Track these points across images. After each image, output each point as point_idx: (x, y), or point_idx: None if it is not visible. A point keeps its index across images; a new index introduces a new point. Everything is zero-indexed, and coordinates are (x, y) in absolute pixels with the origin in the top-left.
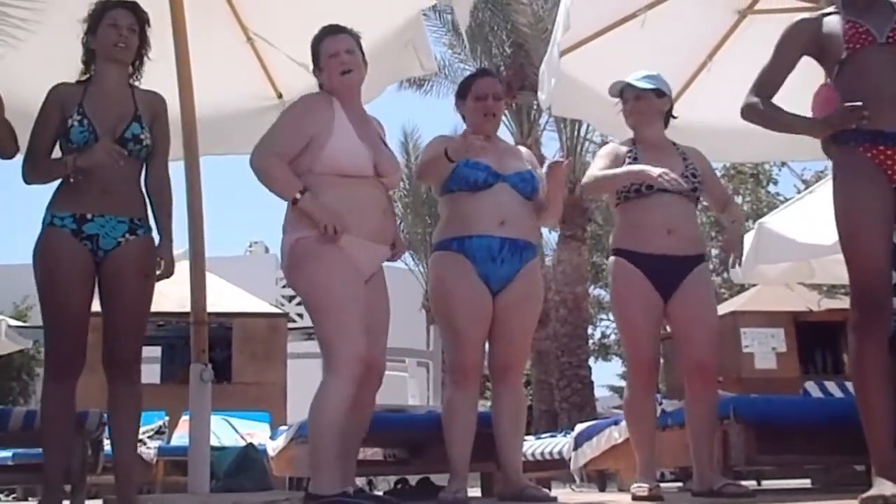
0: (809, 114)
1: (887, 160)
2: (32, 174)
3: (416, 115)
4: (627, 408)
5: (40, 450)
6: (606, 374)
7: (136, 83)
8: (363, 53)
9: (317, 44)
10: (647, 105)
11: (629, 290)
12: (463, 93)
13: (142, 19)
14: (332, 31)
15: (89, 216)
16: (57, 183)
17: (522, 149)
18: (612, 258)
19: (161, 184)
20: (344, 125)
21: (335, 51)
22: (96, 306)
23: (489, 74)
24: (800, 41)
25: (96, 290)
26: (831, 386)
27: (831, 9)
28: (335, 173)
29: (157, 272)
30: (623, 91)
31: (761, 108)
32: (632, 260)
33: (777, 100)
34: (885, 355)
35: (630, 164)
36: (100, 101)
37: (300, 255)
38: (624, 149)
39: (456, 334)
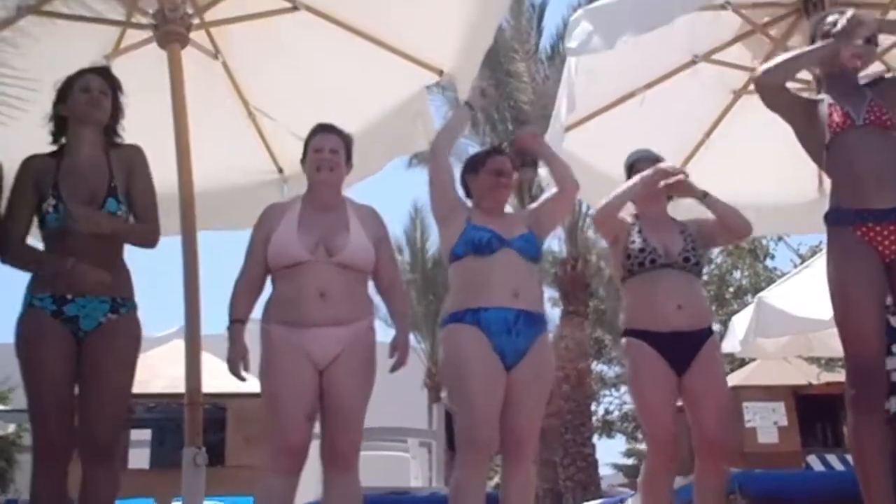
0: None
1: (877, 236)
2: (7, 256)
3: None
4: (645, 487)
5: None
6: (610, 452)
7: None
8: (349, 155)
9: (309, 138)
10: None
11: (646, 371)
12: (475, 167)
13: (113, 84)
14: (323, 129)
15: (69, 297)
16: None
17: (524, 211)
18: (625, 339)
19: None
20: (288, 220)
21: (320, 147)
22: None
23: (503, 153)
24: (802, 100)
25: None
26: (833, 459)
27: (821, 95)
28: (279, 266)
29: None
30: (637, 163)
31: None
32: (645, 339)
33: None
34: (882, 429)
35: (635, 236)
36: (73, 177)
37: (262, 342)
38: (628, 219)
39: (470, 409)
